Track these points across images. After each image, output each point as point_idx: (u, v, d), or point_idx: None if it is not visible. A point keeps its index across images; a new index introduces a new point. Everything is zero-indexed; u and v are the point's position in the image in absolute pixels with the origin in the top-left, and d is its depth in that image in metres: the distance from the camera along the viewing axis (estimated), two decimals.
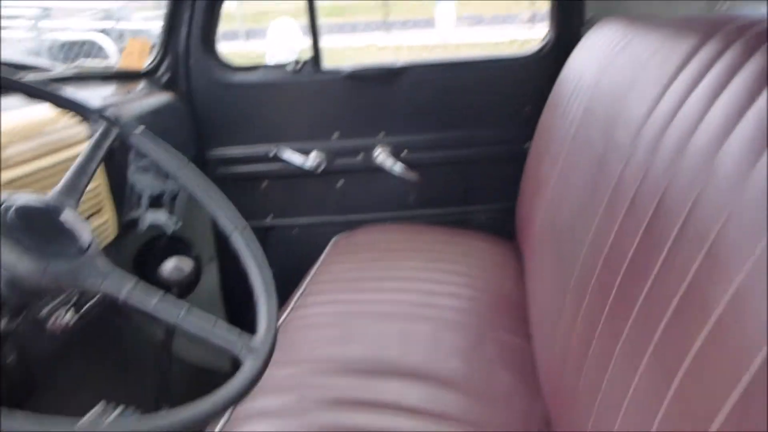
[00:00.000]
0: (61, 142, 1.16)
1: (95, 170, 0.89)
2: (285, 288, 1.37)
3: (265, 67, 1.79)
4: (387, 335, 1.13)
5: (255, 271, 0.85)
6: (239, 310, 1.86)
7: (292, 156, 1.76)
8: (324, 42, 1.74)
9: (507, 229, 1.64)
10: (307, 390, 1.00)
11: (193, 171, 0.99)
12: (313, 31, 1.73)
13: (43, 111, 1.18)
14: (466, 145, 1.76)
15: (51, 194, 0.79)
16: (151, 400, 1.37)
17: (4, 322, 0.72)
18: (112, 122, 0.96)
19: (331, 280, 1.38)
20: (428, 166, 1.78)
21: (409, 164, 1.77)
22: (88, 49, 5.40)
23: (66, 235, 0.74)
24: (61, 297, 1.05)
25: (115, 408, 0.63)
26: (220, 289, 1.94)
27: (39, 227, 0.72)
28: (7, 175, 1.02)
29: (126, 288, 0.72)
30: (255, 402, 0.99)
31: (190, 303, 0.74)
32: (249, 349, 0.74)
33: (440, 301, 1.24)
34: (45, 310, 1.02)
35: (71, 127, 1.19)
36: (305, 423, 0.92)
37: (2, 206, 0.70)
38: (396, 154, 1.77)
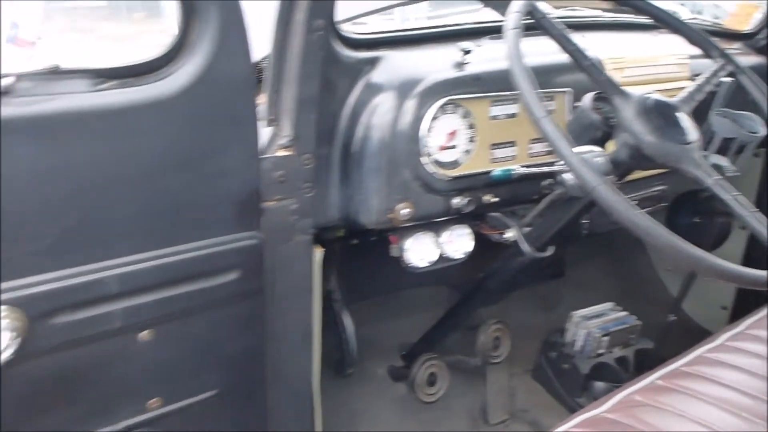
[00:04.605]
0: (665, 76, 1.41)
1: (706, 92, 1.10)
2: None
3: None
4: None
5: None
6: None
7: None
8: None
9: None
10: None
11: None
12: None
13: (658, 47, 1.44)
14: None
15: (675, 98, 1.04)
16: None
17: (614, 177, 0.98)
18: (730, 60, 1.15)
19: None
20: None
21: None
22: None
23: (680, 128, 0.98)
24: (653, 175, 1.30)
25: None
26: (742, 258, 1.95)
27: (664, 116, 0.97)
28: None
29: (713, 177, 0.92)
30: None
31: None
32: None
33: None
34: None
35: (674, 65, 1.43)
36: None
37: (646, 95, 0.97)
38: None
